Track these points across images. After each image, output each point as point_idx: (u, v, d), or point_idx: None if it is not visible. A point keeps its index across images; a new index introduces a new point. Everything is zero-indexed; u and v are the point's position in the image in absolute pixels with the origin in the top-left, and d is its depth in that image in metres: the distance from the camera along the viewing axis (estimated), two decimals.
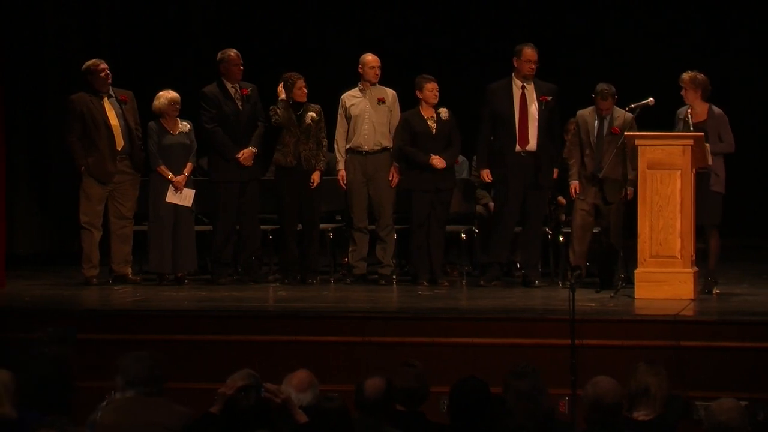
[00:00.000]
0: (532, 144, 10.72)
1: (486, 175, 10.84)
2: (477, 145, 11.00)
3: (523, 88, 10.77)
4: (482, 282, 10.80)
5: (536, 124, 10.73)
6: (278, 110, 10.94)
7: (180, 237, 10.95)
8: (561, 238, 11.12)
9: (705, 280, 10.16)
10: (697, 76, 10.24)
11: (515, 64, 10.78)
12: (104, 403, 6.20)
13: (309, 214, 11.10)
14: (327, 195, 11.27)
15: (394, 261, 11.24)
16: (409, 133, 10.93)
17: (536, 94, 10.76)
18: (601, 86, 10.57)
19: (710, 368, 8.31)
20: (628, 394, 6.11)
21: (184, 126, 11.03)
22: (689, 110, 10.19)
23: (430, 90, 10.91)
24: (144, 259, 11.22)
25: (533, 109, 10.75)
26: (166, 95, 10.96)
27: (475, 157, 11.50)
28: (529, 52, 10.73)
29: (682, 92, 10.27)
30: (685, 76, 10.27)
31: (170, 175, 10.90)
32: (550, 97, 10.73)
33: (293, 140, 10.98)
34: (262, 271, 11.28)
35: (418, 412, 6.25)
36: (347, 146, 11.13)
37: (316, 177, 11.03)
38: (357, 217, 11.14)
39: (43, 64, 13.05)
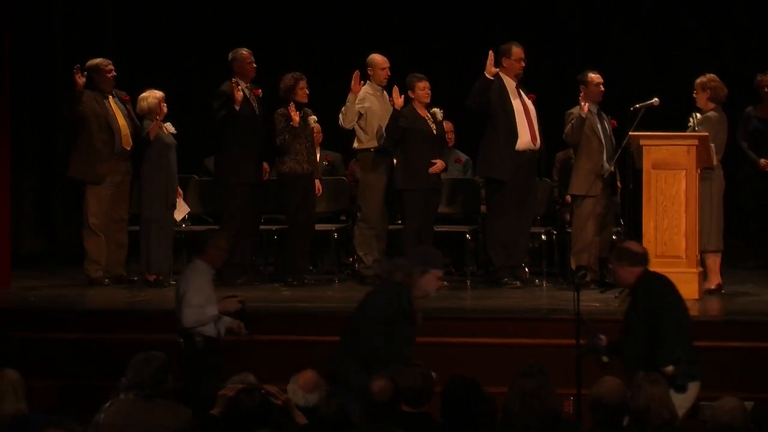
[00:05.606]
0: (538, 142, 10.65)
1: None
2: (487, 144, 10.61)
3: (517, 87, 10.63)
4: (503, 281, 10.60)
5: (537, 121, 10.64)
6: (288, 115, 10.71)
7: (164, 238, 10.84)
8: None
9: None
10: None
11: (505, 63, 10.56)
12: (108, 404, 6.24)
13: (309, 216, 10.90)
14: (332, 195, 11.23)
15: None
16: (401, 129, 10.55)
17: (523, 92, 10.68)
18: (595, 73, 10.54)
19: (716, 368, 8.29)
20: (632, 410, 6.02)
21: (170, 126, 10.79)
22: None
23: (422, 89, 10.60)
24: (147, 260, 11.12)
25: (531, 106, 10.66)
26: (155, 94, 10.64)
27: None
28: (519, 50, 10.58)
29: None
30: None
31: None
32: (534, 96, 10.66)
33: (303, 146, 10.80)
34: (266, 272, 11.26)
35: (424, 412, 6.25)
36: (364, 146, 10.87)
37: (320, 186, 10.93)
38: (371, 215, 10.90)
39: (48, 62, 13.03)
